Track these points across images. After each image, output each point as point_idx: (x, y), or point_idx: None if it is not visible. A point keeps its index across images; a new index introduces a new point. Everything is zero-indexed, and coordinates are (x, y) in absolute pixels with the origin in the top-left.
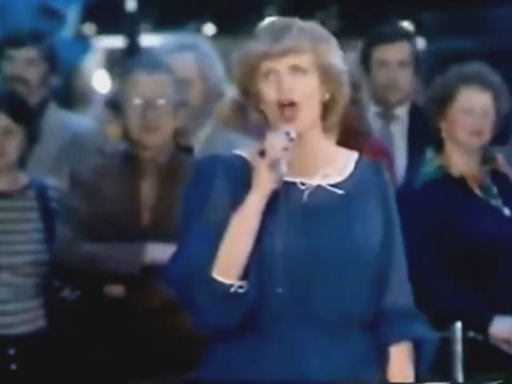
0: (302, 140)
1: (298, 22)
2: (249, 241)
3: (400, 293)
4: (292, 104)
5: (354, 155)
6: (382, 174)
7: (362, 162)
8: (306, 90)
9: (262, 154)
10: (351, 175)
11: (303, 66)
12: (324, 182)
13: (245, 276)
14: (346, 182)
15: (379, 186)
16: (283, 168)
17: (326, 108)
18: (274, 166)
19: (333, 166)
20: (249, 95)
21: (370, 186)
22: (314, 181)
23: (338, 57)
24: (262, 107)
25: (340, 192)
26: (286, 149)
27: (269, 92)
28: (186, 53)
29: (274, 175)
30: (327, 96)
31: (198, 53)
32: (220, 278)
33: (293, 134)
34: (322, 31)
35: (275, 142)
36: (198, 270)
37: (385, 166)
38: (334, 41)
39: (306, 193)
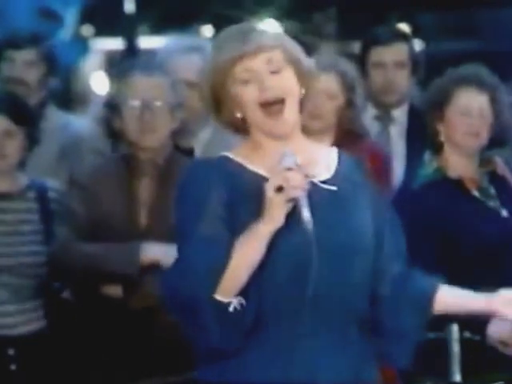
0: (287, 141)
1: (258, 25)
2: (253, 267)
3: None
4: (278, 101)
5: (334, 150)
6: (363, 167)
7: (343, 156)
8: (289, 85)
9: (280, 189)
10: (337, 170)
11: (279, 61)
12: (315, 180)
13: (244, 290)
14: (334, 178)
15: (364, 179)
16: (307, 209)
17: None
18: (292, 204)
19: (319, 164)
20: (221, 106)
21: (356, 179)
22: None
23: (303, 54)
24: (238, 114)
25: (332, 188)
26: (305, 189)
27: (250, 94)
28: (193, 55)
29: (285, 210)
30: (303, 91)
31: (203, 55)
32: (219, 297)
33: (298, 160)
34: (282, 33)
35: (293, 179)
36: (198, 288)
37: (367, 164)
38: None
39: None
